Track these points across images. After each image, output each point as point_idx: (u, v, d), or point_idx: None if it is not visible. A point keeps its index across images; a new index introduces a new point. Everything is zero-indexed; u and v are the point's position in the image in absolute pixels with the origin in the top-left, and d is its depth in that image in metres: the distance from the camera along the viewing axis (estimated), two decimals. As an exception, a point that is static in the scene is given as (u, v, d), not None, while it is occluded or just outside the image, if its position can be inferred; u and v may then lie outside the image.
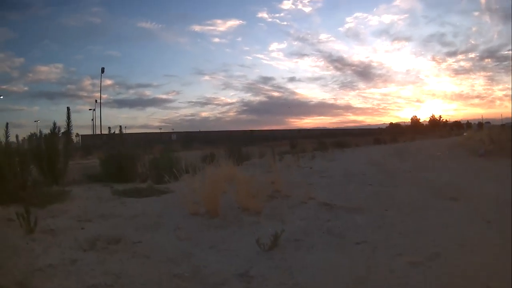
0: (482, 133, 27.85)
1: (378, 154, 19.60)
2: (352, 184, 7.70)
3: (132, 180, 8.74)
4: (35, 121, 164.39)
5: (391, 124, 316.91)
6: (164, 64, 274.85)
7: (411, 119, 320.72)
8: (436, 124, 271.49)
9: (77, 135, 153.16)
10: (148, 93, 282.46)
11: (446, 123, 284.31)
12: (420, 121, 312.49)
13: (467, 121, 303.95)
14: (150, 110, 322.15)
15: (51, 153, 8.08)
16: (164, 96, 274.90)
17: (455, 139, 43.05)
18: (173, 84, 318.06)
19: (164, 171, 8.97)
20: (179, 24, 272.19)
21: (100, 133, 76.39)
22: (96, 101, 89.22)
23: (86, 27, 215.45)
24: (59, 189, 6.69)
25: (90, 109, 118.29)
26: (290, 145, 25.53)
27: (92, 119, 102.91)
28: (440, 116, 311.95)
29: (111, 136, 45.81)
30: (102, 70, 65.44)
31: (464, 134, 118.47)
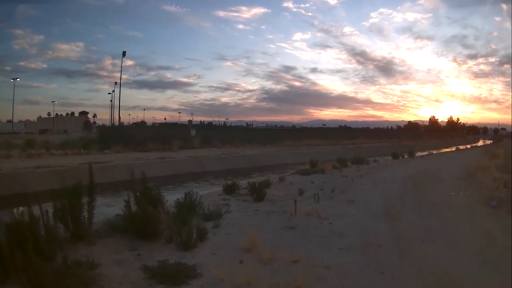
0: (498, 161, 28.00)
1: (395, 186, 19.38)
2: (366, 273, 7.71)
3: (156, 237, 8.85)
4: (52, 102, 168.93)
5: (409, 122, 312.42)
6: (187, 48, 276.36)
7: (430, 119, 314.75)
8: (453, 127, 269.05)
9: (95, 115, 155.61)
10: (169, 75, 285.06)
11: (463, 126, 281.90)
12: (438, 121, 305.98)
13: (484, 126, 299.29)
14: (170, 92, 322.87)
15: (74, 211, 8.39)
16: (184, 80, 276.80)
17: (470, 155, 42.20)
18: (195, 68, 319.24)
19: (186, 223, 9.23)
20: (203, 9, 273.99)
21: (118, 113, 77.12)
22: (116, 82, 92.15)
23: (109, 6, 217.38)
24: (87, 261, 6.85)
25: (109, 93, 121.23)
26: (310, 164, 25.19)
27: (111, 100, 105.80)
28: (458, 118, 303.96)
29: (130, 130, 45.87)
30: (124, 54, 66.12)
31: (480, 141, 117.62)
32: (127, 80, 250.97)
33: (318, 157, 41.63)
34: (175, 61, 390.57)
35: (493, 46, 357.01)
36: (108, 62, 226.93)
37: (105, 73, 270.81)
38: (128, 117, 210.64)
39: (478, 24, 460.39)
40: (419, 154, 55.00)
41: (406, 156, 40.74)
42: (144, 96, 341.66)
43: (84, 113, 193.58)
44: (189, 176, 28.77)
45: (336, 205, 14.22)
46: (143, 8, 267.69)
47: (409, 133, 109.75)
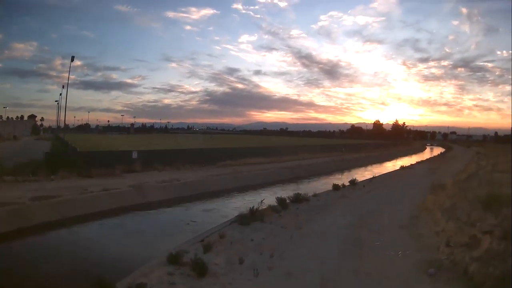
0: (443, 198, 26.29)
1: (332, 246, 19.26)
2: None
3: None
4: (4, 107, 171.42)
5: (352, 126, 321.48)
6: (135, 49, 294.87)
7: (374, 123, 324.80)
8: (399, 131, 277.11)
9: (42, 119, 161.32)
10: (115, 76, 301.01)
11: (409, 131, 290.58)
12: (382, 125, 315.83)
13: (432, 130, 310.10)
14: (114, 93, 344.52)
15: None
16: (129, 81, 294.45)
17: (413, 182, 42.96)
18: (141, 69, 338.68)
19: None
20: (154, 9, 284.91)
21: (65, 115, 78.15)
22: (63, 86, 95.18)
23: (65, 5, 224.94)
24: None
25: (56, 101, 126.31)
26: (249, 212, 25.29)
27: (56, 101, 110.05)
28: (404, 123, 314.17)
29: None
30: (72, 59, 67.53)
31: (427, 149, 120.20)
32: (75, 80, 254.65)
33: (258, 181, 43.22)
34: (122, 62, 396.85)
35: (447, 50, 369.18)
36: (58, 62, 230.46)
37: (55, 73, 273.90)
38: (73, 119, 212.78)
39: (433, 28, 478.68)
40: (361, 175, 55.95)
41: (347, 185, 41.55)
42: (89, 97, 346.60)
43: (32, 117, 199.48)
44: (134, 209, 30.50)
45: (274, 280, 14.70)
46: (96, 7, 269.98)
47: (351, 145, 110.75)
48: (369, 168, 74.73)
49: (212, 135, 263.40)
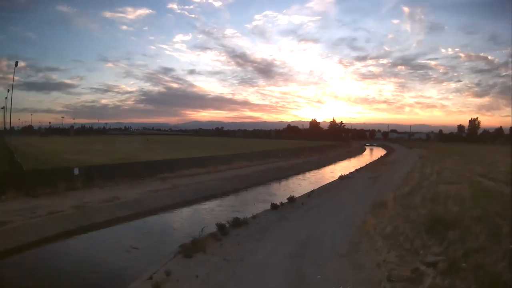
0: (384, 219, 26.73)
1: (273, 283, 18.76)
2: None
3: None
4: None
5: (289, 126, 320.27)
6: (73, 49, 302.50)
7: (310, 122, 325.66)
8: (336, 130, 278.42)
9: None
10: (55, 77, 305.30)
11: (347, 130, 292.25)
12: (319, 124, 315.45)
13: (371, 129, 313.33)
14: (55, 94, 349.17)
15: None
16: (68, 81, 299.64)
17: (352, 196, 43.57)
18: (79, 69, 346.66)
19: None
20: (93, 9, 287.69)
21: (10, 119, 78.96)
22: (8, 90, 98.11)
23: (12, 6, 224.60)
24: None
25: (2, 107, 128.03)
26: (192, 243, 25.07)
27: (3, 107, 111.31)
28: (341, 122, 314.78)
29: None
30: (16, 64, 68.15)
31: (367, 145, 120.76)
32: (18, 81, 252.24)
33: (196, 195, 45.34)
34: (62, 62, 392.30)
35: (387, 48, 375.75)
36: (4, 63, 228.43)
37: (1, 75, 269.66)
38: (18, 121, 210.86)
39: (371, 27, 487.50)
40: (298, 185, 58.33)
41: (286, 202, 40.23)
42: (32, 98, 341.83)
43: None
44: (79, 232, 30.66)
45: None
46: (39, 8, 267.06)
47: (288, 150, 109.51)
48: (307, 175, 74.54)
49: (148, 136, 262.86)
